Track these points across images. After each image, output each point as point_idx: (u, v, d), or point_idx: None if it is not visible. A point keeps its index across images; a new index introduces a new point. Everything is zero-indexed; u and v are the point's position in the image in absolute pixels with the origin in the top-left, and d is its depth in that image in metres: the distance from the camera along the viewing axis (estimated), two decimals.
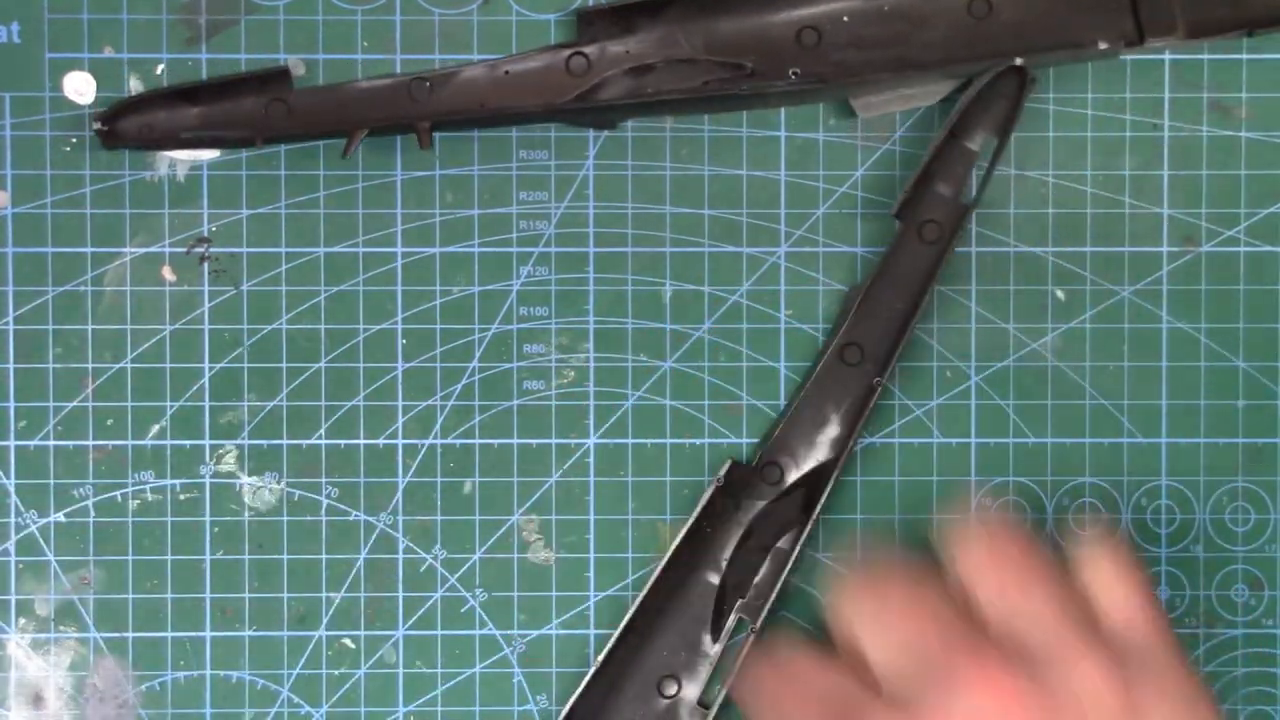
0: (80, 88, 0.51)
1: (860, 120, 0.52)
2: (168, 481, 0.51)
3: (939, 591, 0.42)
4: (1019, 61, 0.50)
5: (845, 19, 0.51)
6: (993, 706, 0.39)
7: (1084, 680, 0.40)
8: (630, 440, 0.52)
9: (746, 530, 0.51)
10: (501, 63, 0.51)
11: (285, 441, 0.52)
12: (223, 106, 0.51)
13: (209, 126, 0.50)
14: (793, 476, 0.51)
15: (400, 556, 0.52)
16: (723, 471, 0.51)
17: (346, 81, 0.51)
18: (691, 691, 0.51)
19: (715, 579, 0.51)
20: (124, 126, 0.50)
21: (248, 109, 0.51)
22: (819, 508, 0.51)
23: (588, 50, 0.51)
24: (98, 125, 0.50)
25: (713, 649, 0.51)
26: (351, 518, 0.52)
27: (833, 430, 0.51)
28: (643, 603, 0.51)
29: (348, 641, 0.52)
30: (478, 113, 0.51)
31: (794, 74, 0.51)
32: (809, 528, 0.51)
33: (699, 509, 0.51)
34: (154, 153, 0.51)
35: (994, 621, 0.42)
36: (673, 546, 0.51)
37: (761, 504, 0.51)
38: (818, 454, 0.51)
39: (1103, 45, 0.50)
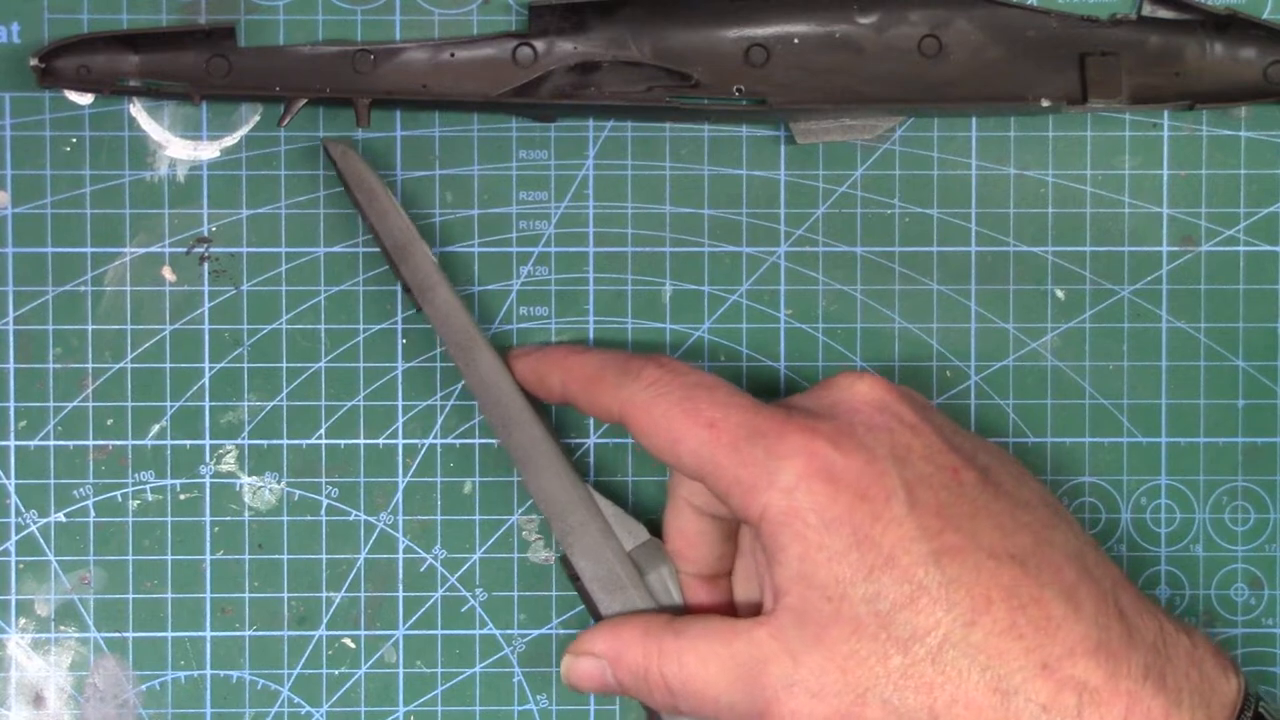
0: None
1: None
2: (168, 481, 0.51)
3: None
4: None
5: (796, 41, 0.51)
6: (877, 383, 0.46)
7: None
8: (630, 440, 0.52)
9: None
10: (449, 44, 0.51)
11: (285, 441, 0.52)
12: (163, 56, 0.50)
13: (147, 75, 0.50)
14: None
15: (400, 556, 0.52)
16: None
17: (290, 45, 0.51)
18: None
19: None
20: (61, 66, 0.50)
21: (188, 62, 0.50)
22: None
23: (536, 42, 0.51)
24: (34, 62, 0.49)
25: None
26: (351, 518, 0.52)
27: None
28: None
29: (348, 641, 0.52)
30: (419, 94, 0.50)
31: (738, 90, 0.50)
32: None
33: None
34: (153, 152, 0.51)
35: None
36: None
37: None
38: None
39: (1045, 103, 0.50)
